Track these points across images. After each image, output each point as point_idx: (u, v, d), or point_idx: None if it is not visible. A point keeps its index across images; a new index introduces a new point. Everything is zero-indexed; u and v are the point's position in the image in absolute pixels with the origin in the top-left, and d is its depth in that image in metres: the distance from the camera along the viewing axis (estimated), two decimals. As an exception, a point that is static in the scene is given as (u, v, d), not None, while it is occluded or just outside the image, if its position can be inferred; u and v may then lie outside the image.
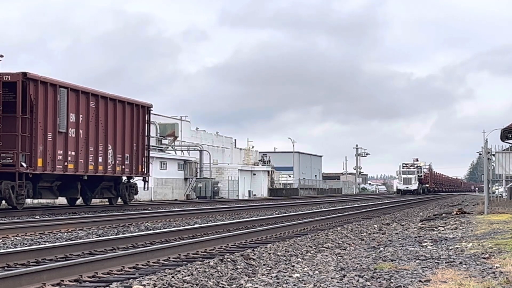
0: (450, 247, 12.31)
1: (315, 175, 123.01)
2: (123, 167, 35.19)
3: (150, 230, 18.74)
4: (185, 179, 64.63)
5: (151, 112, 39.46)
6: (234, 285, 8.57)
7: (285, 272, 9.54)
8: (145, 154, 37.59)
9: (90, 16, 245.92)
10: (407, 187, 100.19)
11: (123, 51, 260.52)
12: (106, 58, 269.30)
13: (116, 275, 9.79)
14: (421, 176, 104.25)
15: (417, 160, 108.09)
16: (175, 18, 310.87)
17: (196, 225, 19.72)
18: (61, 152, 30.18)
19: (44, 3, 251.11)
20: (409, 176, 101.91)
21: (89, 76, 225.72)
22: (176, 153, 67.00)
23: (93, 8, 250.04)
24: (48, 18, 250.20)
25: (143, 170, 37.47)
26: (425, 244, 13.42)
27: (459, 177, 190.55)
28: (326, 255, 11.97)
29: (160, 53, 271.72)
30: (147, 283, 8.31)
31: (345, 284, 8.19)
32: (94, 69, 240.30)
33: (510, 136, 40.12)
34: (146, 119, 37.56)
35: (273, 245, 13.43)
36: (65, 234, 17.53)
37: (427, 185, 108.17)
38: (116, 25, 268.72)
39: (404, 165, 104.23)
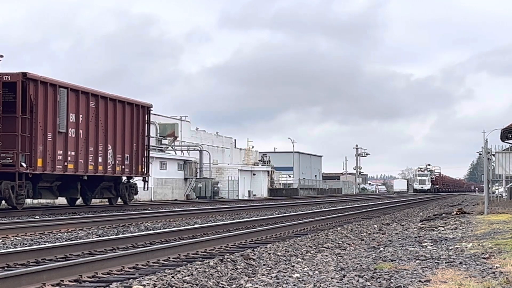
0: (450, 247, 12.31)
1: (315, 175, 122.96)
2: (123, 167, 35.18)
3: (150, 230, 18.74)
4: (185, 179, 64.61)
5: (151, 112, 39.46)
6: (234, 285, 8.57)
7: (285, 272, 9.53)
8: (145, 154, 37.58)
9: (93, 17, 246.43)
10: (422, 187, 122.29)
11: (125, 52, 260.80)
12: (108, 59, 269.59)
13: (116, 275, 9.79)
14: (433, 178, 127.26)
15: (429, 165, 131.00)
16: (177, 19, 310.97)
17: (196, 225, 19.71)
18: (61, 152, 30.18)
19: (47, 4, 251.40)
20: (423, 178, 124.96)
21: (91, 76, 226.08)
22: (176, 153, 66.98)
23: (96, 9, 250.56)
24: (51, 19, 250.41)
25: (143, 170, 37.47)
26: (425, 244, 13.41)
27: (461, 178, 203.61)
28: (326, 255, 11.96)
29: (162, 54, 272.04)
30: (147, 283, 8.30)
31: (345, 284, 8.19)
32: (96, 70, 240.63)
33: (510, 136, 40.12)
34: (146, 119, 37.55)
35: (273, 245, 13.42)
36: (65, 234, 17.52)
37: (437, 186, 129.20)
38: (119, 26, 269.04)
39: (419, 168, 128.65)
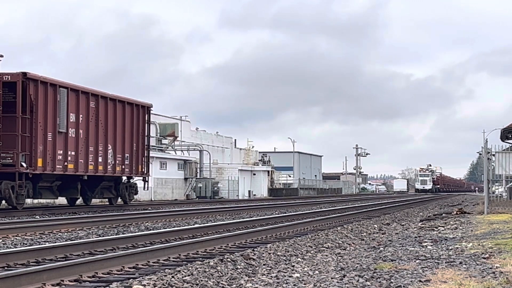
0: (450, 247, 12.31)
1: (315, 175, 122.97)
2: (123, 167, 35.18)
3: (150, 230, 18.74)
4: (185, 179, 64.61)
5: (151, 112, 39.46)
6: (234, 285, 8.57)
7: (285, 272, 9.53)
8: (145, 154, 37.58)
9: (93, 17, 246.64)
10: (424, 187, 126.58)
11: (125, 52, 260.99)
12: (108, 59, 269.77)
13: (116, 275, 9.79)
14: (434, 178, 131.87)
15: (430, 165, 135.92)
16: (177, 20, 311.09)
17: (196, 225, 19.71)
18: (61, 152, 30.18)
19: (47, 4, 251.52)
20: (425, 178, 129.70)
21: (91, 76, 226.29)
22: (176, 153, 66.97)
23: (96, 9, 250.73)
24: (51, 19, 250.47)
25: (143, 170, 37.46)
26: (425, 244, 13.42)
27: (462, 178, 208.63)
28: (326, 255, 11.96)
29: (162, 54, 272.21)
30: (147, 283, 8.31)
31: (345, 284, 8.19)
32: (96, 70, 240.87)
33: (510, 136, 40.11)
34: (146, 119, 37.55)
35: (273, 245, 13.42)
36: (65, 234, 17.53)
37: (438, 186, 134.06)
38: (119, 26, 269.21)
39: (420, 169, 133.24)
